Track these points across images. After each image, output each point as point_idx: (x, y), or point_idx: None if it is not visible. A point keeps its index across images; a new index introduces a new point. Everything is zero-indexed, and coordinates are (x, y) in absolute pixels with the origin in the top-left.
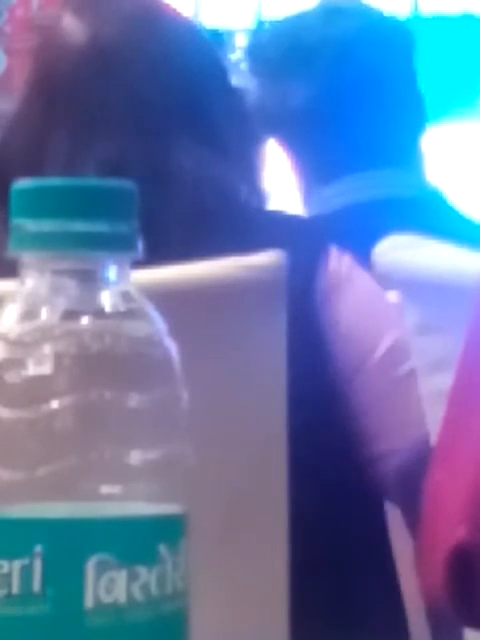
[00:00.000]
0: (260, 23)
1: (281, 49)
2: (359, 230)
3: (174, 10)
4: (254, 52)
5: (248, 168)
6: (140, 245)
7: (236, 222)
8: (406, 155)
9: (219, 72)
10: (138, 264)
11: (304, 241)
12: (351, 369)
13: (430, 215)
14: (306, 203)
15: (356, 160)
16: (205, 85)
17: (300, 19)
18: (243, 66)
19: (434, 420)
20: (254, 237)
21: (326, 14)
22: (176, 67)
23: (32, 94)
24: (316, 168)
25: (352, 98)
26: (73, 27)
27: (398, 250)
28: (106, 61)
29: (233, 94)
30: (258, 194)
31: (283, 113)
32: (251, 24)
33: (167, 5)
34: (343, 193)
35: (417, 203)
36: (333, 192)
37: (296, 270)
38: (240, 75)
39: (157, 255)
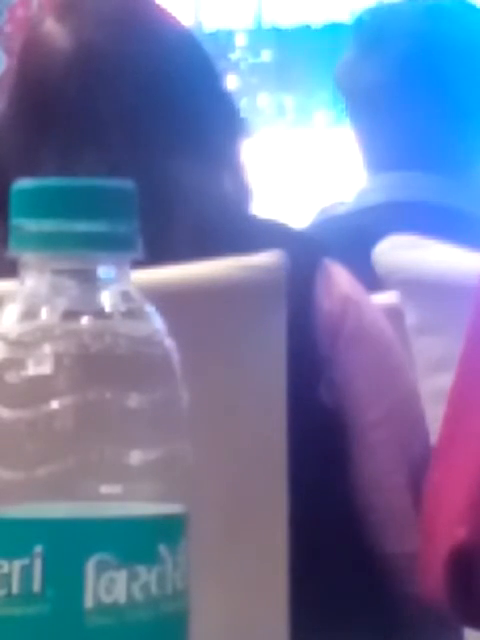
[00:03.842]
0: (260, 23)
1: (373, 28)
2: (390, 230)
3: (161, 11)
4: (357, 26)
5: (238, 172)
6: (140, 245)
7: (238, 236)
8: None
9: (209, 73)
10: (138, 264)
11: (303, 253)
12: (356, 413)
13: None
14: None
15: (408, 159)
16: (195, 89)
17: (396, 8)
18: (243, 66)
19: (434, 420)
20: (255, 250)
21: (422, 10)
22: (165, 72)
23: (19, 107)
24: (374, 155)
25: (422, 96)
26: (56, 34)
27: (398, 250)
28: (93, 72)
29: (224, 96)
30: (247, 199)
31: (361, 89)
32: (251, 24)
33: (154, 6)
34: (384, 188)
35: (467, 218)
36: (375, 185)
37: (294, 281)
38: (240, 75)
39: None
